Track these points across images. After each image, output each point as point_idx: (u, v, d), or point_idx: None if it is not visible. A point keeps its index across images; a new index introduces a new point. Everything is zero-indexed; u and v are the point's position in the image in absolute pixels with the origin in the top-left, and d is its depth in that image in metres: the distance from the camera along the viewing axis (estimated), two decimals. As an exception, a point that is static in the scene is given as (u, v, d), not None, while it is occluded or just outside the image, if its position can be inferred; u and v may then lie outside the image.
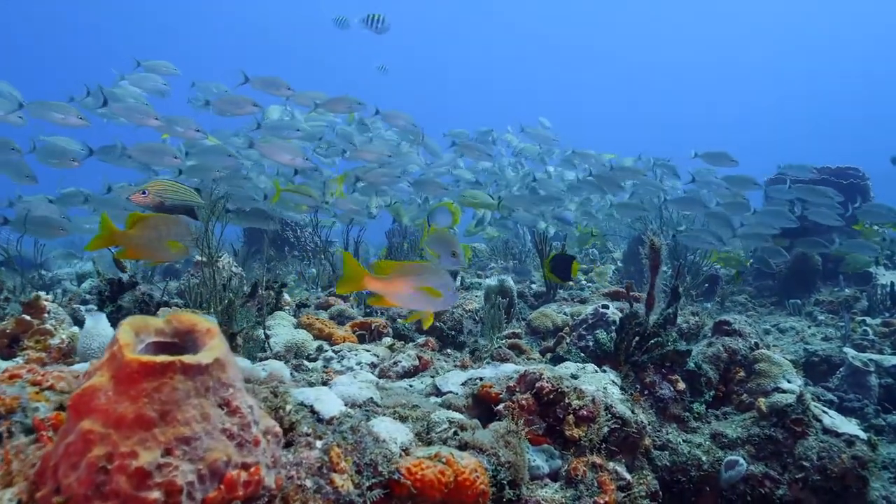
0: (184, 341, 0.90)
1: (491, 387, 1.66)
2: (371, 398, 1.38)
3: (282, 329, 2.41)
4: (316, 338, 2.43)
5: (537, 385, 1.59)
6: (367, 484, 1.03)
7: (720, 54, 48.36)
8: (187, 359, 0.81)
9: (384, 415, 1.35)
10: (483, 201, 4.53)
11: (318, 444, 1.00)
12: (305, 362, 2.04)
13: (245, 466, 0.83)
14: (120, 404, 0.78)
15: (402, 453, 1.18)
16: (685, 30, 47.92)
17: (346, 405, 1.29)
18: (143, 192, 2.11)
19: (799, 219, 4.80)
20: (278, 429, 0.91)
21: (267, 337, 2.18)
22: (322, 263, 4.81)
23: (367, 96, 4.96)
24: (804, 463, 1.92)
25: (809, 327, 4.22)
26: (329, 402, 1.17)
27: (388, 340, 2.44)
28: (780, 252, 4.74)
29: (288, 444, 1.01)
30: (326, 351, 2.24)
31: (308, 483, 0.94)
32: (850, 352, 3.37)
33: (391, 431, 1.21)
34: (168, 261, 2.11)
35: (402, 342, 2.43)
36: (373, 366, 2.14)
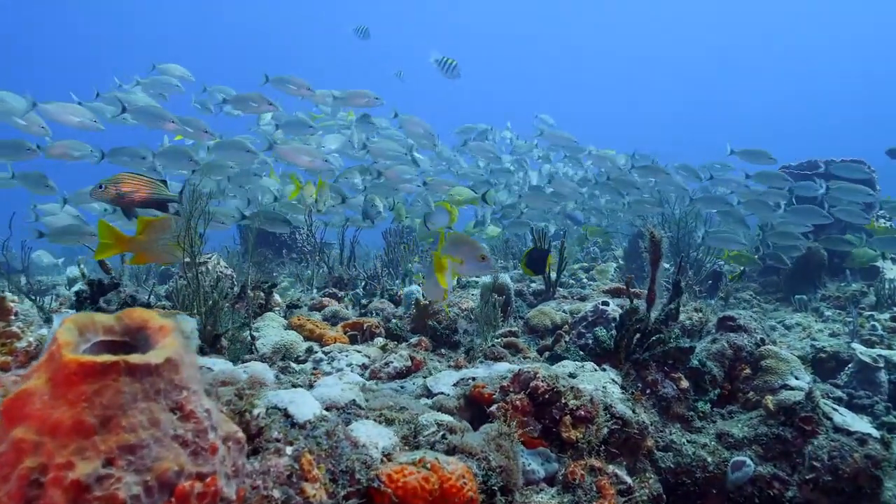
0: (135, 340, 0.83)
1: (483, 387, 1.58)
2: (353, 400, 1.31)
3: (271, 330, 2.33)
4: (307, 339, 2.35)
5: (532, 385, 1.51)
6: (343, 493, 0.96)
7: (718, 54, 48.19)
8: (134, 358, 0.73)
9: (368, 417, 1.27)
10: (466, 197, 4.47)
11: (289, 450, 0.92)
12: (293, 364, 1.97)
13: (200, 476, 0.75)
14: (56, 410, 0.70)
15: (384, 459, 1.10)
16: (683, 29, 47.79)
17: (325, 408, 1.21)
18: (101, 187, 2.03)
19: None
20: (241, 435, 0.83)
21: (253, 338, 2.10)
22: (319, 265, 4.74)
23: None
24: (815, 463, 1.84)
25: (816, 323, 4.13)
26: (304, 404, 1.09)
27: (380, 341, 2.36)
28: (796, 248, 4.67)
29: (255, 451, 0.93)
30: (316, 352, 2.17)
31: (276, 493, 0.86)
32: (858, 347, 3.27)
33: (373, 435, 1.13)
34: (175, 262, 2.07)
35: (395, 342, 2.35)
36: (364, 367, 2.06)
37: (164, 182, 2.06)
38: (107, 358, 0.72)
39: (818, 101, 48.54)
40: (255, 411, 0.94)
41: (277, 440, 0.93)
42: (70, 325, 0.77)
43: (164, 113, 4.26)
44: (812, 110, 49.18)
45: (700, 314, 2.68)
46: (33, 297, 3.45)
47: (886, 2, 39.52)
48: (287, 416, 1.07)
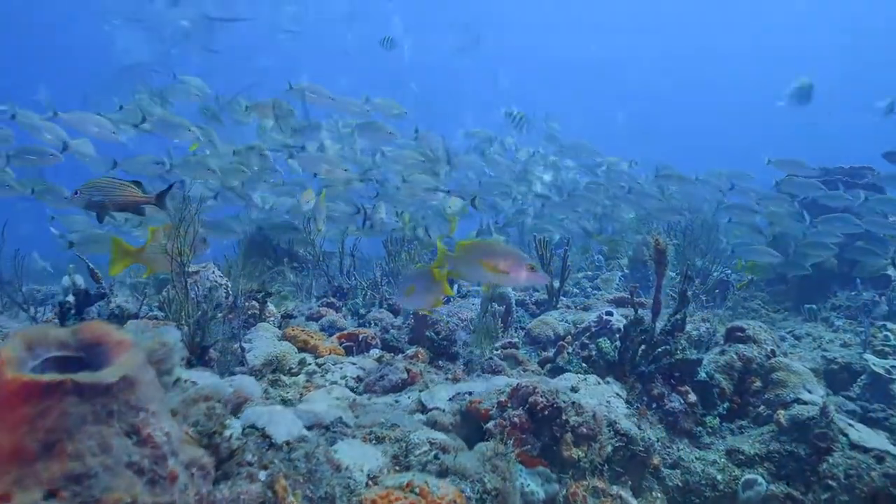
0: (92, 356, 0.76)
1: (480, 402, 1.50)
2: (340, 417, 1.23)
3: (263, 342, 2.26)
4: (300, 350, 2.28)
5: (531, 400, 1.43)
6: (322, 522, 0.88)
7: (717, 54, 48.11)
8: (83, 377, 0.66)
9: (355, 436, 1.20)
10: (458, 207, 4.44)
11: (262, 475, 0.85)
12: (283, 377, 1.90)
13: (156, 508, 0.68)
14: (-6, 434, 0.63)
15: (370, 482, 1.02)
16: (682, 29, 47.76)
17: (308, 426, 1.14)
18: (76, 193, 2.00)
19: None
20: (206, 460, 0.76)
21: (244, 350, 2.03)
22: (322, 274, 4.68)
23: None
24: (830, 482, 1.75)
25: (826, 333, 4.02)
26: (284, 423, 1.01)
27: (376, 352, 2.29)
28: (818, 256, 4.61)
29: (226, 476, 0.85)
30: (309, 364, 2.09)
31: (245, 523, 0.79)
32: (870, 358, 3.17)
33: (358, 457, 1.06)
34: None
35: (392, 354, 2.28)
36: (358, 379, 1.99)
37: (139, 184, 2.02)
38: (52, 377, 0.65)
39: (818, 101, 48.28)
40: (227, 432, 0.87)
41: (250, 464, 0.86)
42: (17, 339, 0.71)
43: (182, 122, 4.30)
44: (812, 110, 48.90)
45: (707, 324, 2.59)
46: (26, 308, 3.39)
47: (886, 2, 39.39)
48: (265, 436, 1.00)
